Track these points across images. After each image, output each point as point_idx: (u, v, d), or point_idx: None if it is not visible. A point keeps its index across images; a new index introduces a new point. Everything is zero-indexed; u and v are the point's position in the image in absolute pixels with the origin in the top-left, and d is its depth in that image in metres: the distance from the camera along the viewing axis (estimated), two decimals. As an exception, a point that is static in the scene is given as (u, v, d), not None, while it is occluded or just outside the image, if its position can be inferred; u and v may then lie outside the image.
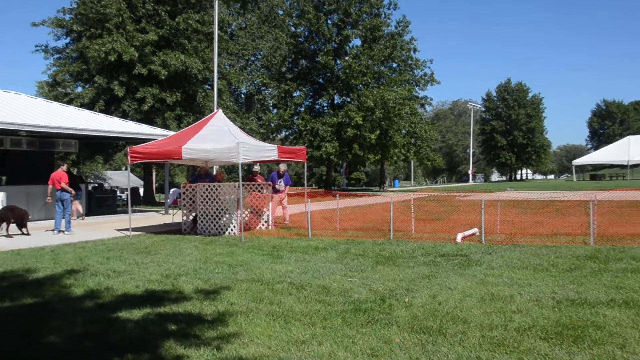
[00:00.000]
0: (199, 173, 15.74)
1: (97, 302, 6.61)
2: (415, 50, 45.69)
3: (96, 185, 25.49)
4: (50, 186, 14.63)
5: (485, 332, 5.16)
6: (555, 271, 8.03)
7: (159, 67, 26.91)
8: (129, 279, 7.92)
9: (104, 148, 31.75)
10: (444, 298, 6.48)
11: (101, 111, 25.54)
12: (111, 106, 28.00)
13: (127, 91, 27.41)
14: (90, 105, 26.39)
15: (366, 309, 6.03)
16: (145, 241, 12.45)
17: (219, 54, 29.17)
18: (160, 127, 24.68)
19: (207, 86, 31.57)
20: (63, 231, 14.26)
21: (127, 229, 14.12)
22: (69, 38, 29.77)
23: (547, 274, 7.82)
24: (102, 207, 21.08)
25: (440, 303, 6.24)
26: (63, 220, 14.45)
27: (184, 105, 29.48)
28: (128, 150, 13.56)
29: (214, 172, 17.34)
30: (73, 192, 15.02)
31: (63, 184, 14.29)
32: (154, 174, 42.07)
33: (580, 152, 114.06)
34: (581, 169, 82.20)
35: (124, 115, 26.51)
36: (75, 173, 28.61)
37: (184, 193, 14.54)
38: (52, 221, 16.98)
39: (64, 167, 14.78)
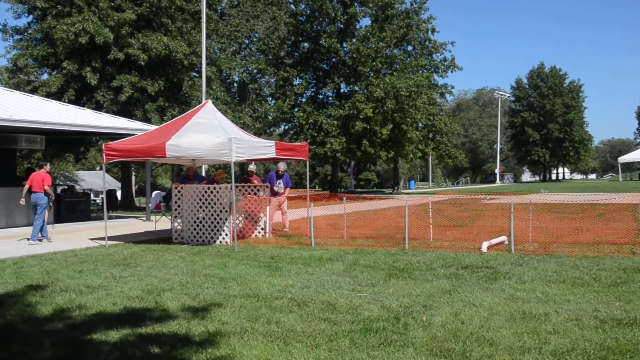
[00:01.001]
0: (186, 174, 15.74)
1: (67, 322, 6.62)
2: (433, 30, 45.72)
3: (66, 187, 25.49)
4: (27, 186, 14.73)
5: (516, 356, 5.15)
6: (597, 286, 8.03)
7: (138, 51, 26.94)
8: (105, 295, 7.94)
9: (75, 145, 31.78)
10: (467, 316, 6.48)
11: (71, 102, 25.60)
12: (83, 96, 28.08)
13: (101, 79, 27.46)
14: (58, 95, 26.46)
15: (378, 328, 6.04)
16: (124, 252, 12.47)
17: (208, 36, 29.24)
18: (141, 121, 24.74)
19: (194, 73, 31.61)
20: (41, 240, 14.42)
21: (102, 238, 14.12)
22: (31, 16, 29.84)
23: (588, 289, 7.81)
24: (73, 213, 21.13)
25: (464, 322, 6.25)
26: (46, 226, 14.75)
27: (168, 95, 29.54)
28: (103, 147, 13.59)
29: (202, 172, 17.39)
30: (53, 197, 15.29)
31: (47, 187, 14.51)
32: (133, 174, 42.19)
33: (627, 147, 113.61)
34: (629, 167, 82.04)
35: (98, 107, 26.58)
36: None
37: (175, 195, 14.55)
38: (15, 230, 17.09)
39: (47, 168, 15.07)
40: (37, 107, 20.02)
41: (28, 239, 14.37)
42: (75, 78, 27.36)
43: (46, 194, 14.50)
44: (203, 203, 13.90)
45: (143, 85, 27.60)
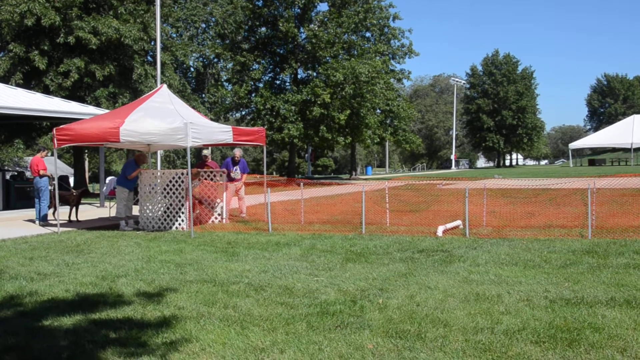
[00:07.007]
0: (136, 161, 15.15)
1: (17, 309, 6.49)
2: (395, 18, 45.86)
3: (15, 173, 24.87)
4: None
5: (470, 336, 5.27)
6: (548, 267, 8.25)
7: (89, 35, 26.13)
8: (57, 282, 7.80)
9: (24, 130, 30.91)
10: (422, 298, 6.59)
11: (19, 86, 24.79)
12: (31, 80, 27.19)
13: (50, 63, 26.61)
14: (5, 79, 25.59)
15: (334, 311, 6.10)
16: (77, 238, 12.25)
17: (163, 21, 28.57)
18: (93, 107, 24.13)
19: (149, 58, 30.93)
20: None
21: (54, 225, 13.86)
22: (-28, -5, 28.66)
23: (539, 271, 8.02)
24: (23, 200, 20.61)
25: (419, 304, 6.35)
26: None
27: (119, 81, 28.80)
28: (54, 131, 13.27)
29: (158, 158, 17.02)
30: (53, 179, 15.83)
31: (42, 172, 15.20)
32: (86, 160, 41.35)
33: (577, 134, 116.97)
34: (579, 153, 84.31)
35: (47, 92, 25.79)
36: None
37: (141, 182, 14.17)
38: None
39: (43, 153, 15.83)
40: (-17, 91, 19.40)
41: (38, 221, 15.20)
42: (23, 61, 26.45)
43: (45, 176, 15.27)
44: (163, 189, 13.75)
45: (92, 69, 26.84)
